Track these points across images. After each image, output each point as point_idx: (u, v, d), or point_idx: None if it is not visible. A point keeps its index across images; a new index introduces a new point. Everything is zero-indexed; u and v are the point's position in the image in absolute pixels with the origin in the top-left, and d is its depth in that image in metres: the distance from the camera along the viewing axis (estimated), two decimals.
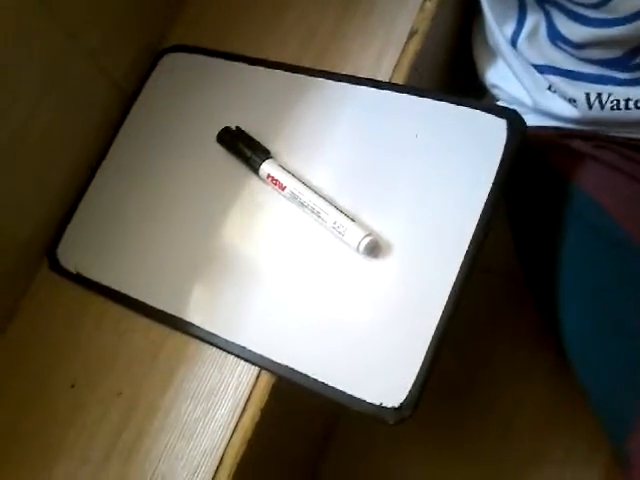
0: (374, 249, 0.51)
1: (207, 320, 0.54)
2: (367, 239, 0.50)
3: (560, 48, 0.61)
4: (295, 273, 0.54)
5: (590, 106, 0.61)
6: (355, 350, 0.49)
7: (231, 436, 0.51)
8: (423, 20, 0.61)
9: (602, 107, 0.61)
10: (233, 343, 0.52)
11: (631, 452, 0.50)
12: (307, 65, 0.62)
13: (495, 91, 0.70)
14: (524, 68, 0.64)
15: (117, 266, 0.60)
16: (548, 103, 0.64)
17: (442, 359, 0.47)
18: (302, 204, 0.54)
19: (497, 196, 0.50)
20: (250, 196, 0.58)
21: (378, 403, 0.47)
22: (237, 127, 0.60)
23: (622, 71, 0.59)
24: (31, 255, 0.63)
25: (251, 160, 0.57)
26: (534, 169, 0.64)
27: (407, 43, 0.60)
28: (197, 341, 0.54)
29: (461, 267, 0.48)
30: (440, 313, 0.47)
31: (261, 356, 0.51)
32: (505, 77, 0.68)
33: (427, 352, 0.47)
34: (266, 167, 0.56)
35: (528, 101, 0.66)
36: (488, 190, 0.50)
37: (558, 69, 0.62)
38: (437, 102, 0.55)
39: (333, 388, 0.48)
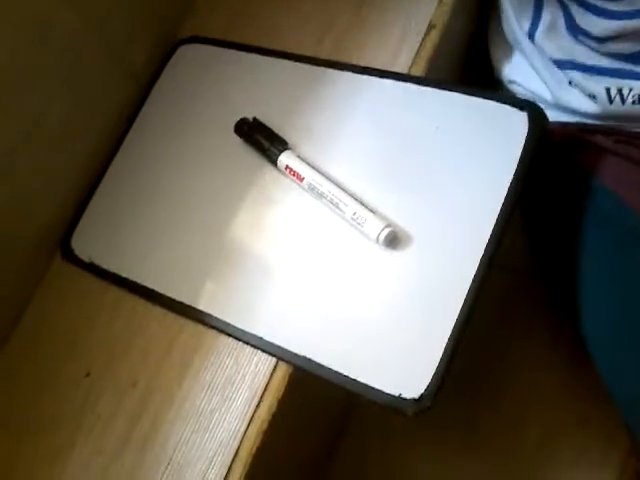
0: (393, 240, 0.51)
1: (223, 310, 0.54)
2: (387, 230, 0.50)
3: (581, 42, 0.61)
4: (313, 264, 0.53)
5: (611, 101, 0.61)
6: (373, 341, 0.49)
7: (247, 427, 0.50)
8: (442, 14, 0.60)
9: (623, 102, 0.61)
10: (250, 333, 0.52)
11: None
12: (324, 57, 0.62)
13: (513, 87, 0.70)
14: (544, 63, 0.64)
15: (131, 256, 0.59)
16: (568, 98, 0.64)
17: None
18: (321, 195, 0.54)
19: (518, 189, 0.50)
20: (267, 187, 0.57)
21: (397, 394, 0.46)
22: (254, 118, 0.59)
23: None
24: (46, 245, 0.63)
25: (269, 151, 0.57)
26: (554, 163, 0.63)
27: (425, 37, 0.60)
28: (213, 331, 0.54)
29: (481, 259, 0.48)
30: (461, 303, 0.47)
31: (279, 347, 0.51)
32: (524, 72, 0.68)
33: (448, 342, 0.46)
34: (284, 158, 0.56)
35: (548, 96, 0.66)
36: (509, 183, 0.50)
37: (578, 64, 0.62)
38: (457, 94, 0.55)
39: (351, 379, 0.48)
